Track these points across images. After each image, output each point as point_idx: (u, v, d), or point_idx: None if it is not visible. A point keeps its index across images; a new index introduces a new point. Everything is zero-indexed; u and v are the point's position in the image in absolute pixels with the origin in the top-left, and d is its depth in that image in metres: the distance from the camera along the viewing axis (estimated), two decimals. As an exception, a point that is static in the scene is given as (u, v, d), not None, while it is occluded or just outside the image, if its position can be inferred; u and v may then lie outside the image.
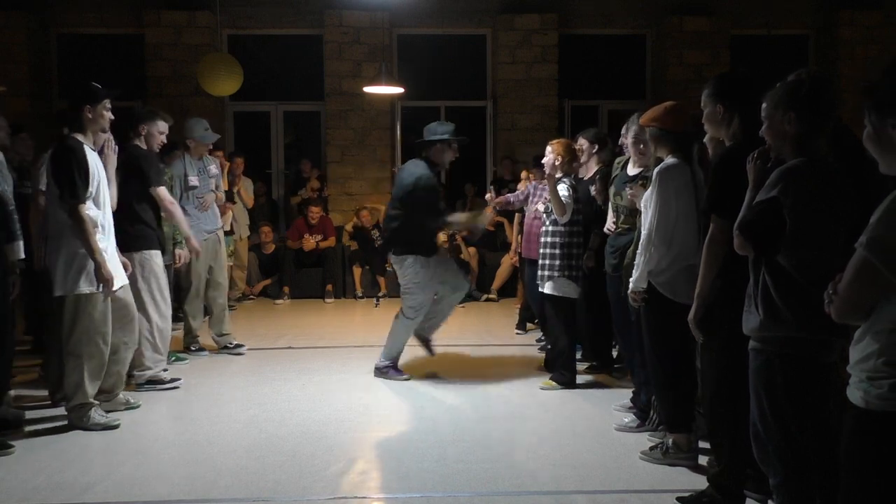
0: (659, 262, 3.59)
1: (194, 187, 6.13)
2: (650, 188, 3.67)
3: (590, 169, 5.36)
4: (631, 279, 3.76)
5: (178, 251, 5.93)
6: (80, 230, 4.15)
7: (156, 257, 5.12)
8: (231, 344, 6.34)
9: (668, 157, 3.67)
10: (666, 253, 3.57)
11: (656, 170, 3.66)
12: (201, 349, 6.22)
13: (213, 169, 6.38)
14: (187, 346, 6.24)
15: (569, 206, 4.93)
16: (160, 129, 5.30)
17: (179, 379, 5.26)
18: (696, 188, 3.60)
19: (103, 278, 4.19)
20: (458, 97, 10.74)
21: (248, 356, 6.21)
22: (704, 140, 3.66)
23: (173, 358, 5.95)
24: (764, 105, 2.64)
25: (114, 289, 4.30)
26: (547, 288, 5.05)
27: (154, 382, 5.13)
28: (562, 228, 4.97)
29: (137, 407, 4.71)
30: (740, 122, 3.07)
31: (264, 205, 9.97)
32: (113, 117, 4.48)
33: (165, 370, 5.32)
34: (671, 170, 3.60)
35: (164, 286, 5.22)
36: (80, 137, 4.28)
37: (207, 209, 6.21)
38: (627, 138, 4.47)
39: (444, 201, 5.61)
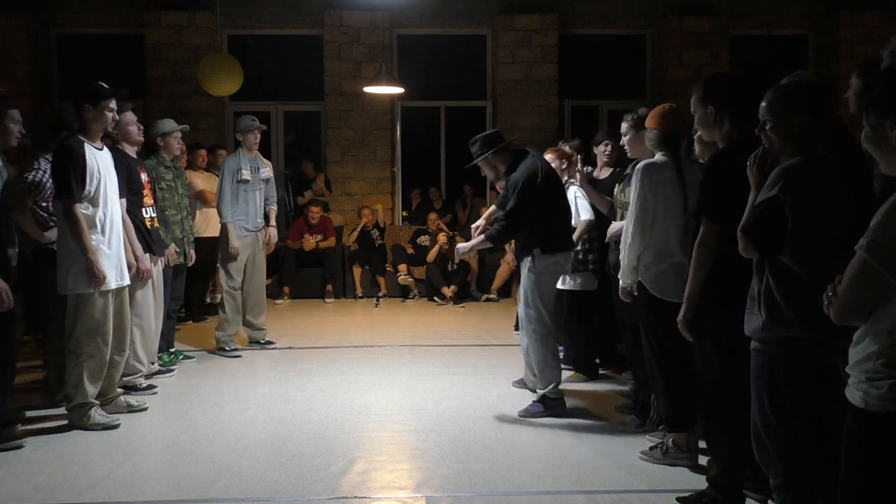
0: (639, 257, 3.64)
1: (246, 181, 6.21)
2: (631, 184, 3.73)
3: (605, 170, 5.43)
4: (619, 276, 3.82)
5: (191, 251, 5.94)
6: (74, 228, 4.18)
7: (144, 261, 4.96)
8: (262, 340, 6.51)
9: (657, 155, 3.72)
10: (644, 248, 3.62)
11: (637, 166, 3.74)
12: (236, 349, 6.28)
13: (266, 172, 6.42)
14: (220, 347, 6.23)
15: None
16: (128, 122, 4.99)
17: (156, 387, 5.15)
18: (683, 186, 3.63)
19: (94, 276, 4.21)
20: (458, 97, 10.74)
21: (249, 356, 6.22)
22: (695, 139, 3.69)
23: (182, 357, 5.97)
24: (763, 105, 2.64)
25: (107, 288, 4.31)
26: (566, 284, 5.20)
27: (128, 388, 4.98)
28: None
29: (144, 410, 4.68)
30: (731, 123, 3.07)
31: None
32: (118, 118, 4.48)
33: (143, 376, 5.15)
34: (651, 166, 3.67)
35: (147, 291, 5.09)
36: (82, 137, 4.30)
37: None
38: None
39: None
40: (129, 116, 5.04)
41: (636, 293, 3.77)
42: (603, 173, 5.40)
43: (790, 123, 2.56)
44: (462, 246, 4.79)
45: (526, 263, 4.55)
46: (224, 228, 6.22)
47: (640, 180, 3.65)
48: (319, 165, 10.28)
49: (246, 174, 6.19)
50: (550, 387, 4.53)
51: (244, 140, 6.32)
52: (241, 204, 6.19)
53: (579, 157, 5.73)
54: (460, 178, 10.42)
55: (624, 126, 4.37)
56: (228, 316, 6.23)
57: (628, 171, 4.57)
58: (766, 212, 2.50)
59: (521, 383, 5.11)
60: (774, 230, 2.49)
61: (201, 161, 7.72)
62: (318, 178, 9.92)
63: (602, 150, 5.38)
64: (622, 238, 3.80)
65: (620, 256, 3.81)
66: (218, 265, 6.35)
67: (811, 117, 2.55)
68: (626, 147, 4.52)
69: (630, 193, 3.81)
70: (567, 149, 5.73)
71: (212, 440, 4.19)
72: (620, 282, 3.83)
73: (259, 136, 6.37)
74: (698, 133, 3.45)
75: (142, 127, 5.17)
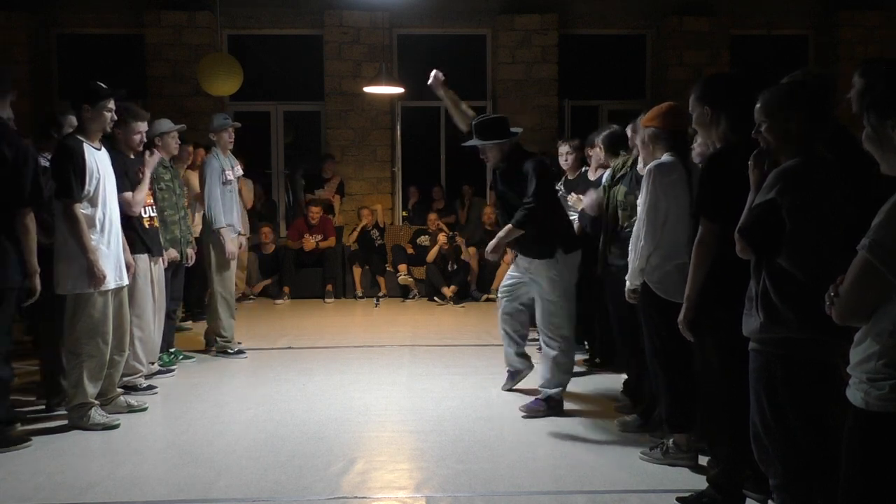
0: (648, 258, 3.62)
1: (230, 182, 6.10)
2: (642, 185, 3.70)
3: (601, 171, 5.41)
4: (626, 277, 3.80)
5: (189, 251, 5.93)
6: (74, 228, 4.18)
7: (140, 261, 4.96)
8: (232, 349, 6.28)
9: (664, 155, 3.70)
10: (654, 249, 3.61)
11: (647, 167, 3.70)
12: (240, 351, 6.20)
13: (238, 169, 6.35)
14: (221, 350, 6.16)
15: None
16: (136, 130, 4.93)
17: (156, 387, 5.15)
18: (690, 187, 3.62)
19: (94, 277, 4.21)
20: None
21: (249, 356, 6.21)
22: (695, 143, 3.68)
23: (182, 357, 5.96)
24: (758, 106, 2.63)
25: (107, 288, 4.31)
26: None
27: (128, 388, 4.96)
28: None
29: (144, 410, 4.68)
30: (728, 123, 3.07)
31: (264, 205, 9.96)
32: (117, 118, 4.48)
33: (143, 376, 5.14)
34: (661, 167, 3.64)
35: (146, 291, 5.10)
36: (80, 136, 4.29)
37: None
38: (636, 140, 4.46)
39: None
40: (141, 126, 4.95)
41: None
42: (598, 174, 5.38)
43: (786, 124, 2.56)
44: (491, 245, 4.65)
45: (549, 265, 4.54)
46: (214, 233, 6.05)
47: (651, 181, 3.60)
48: (320, 165, 10.24)
49: (230, 175, 6.10)
50: (557, 389, 4.56)
51: (219, 139, 6.17)
52: (228, 205, 6.11)
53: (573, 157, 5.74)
54: (460, 178, 10.42)
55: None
56: (224, 322, 6.14)
57: (625, 171, 4.57)
58: (762, 214, 2.50)
59: (511, 379, 5.05)
60: (771, 233, 2.49)
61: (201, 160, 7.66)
62: (333, 180, 9.88)
63: (598, 152, 5.36)
64: (631, 240, 3.77)
65: (629, 258, 3.77)
66: (213, 271, 6.14)
67: (808, 117, 2.54)
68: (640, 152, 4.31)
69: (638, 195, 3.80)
70: (567, 148, 5.77)
71: (212, 440, 4.19)
72: (627, 283, 3.80)
73: (233, 133, 6.25)
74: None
75: (145, 139, 5.09)
